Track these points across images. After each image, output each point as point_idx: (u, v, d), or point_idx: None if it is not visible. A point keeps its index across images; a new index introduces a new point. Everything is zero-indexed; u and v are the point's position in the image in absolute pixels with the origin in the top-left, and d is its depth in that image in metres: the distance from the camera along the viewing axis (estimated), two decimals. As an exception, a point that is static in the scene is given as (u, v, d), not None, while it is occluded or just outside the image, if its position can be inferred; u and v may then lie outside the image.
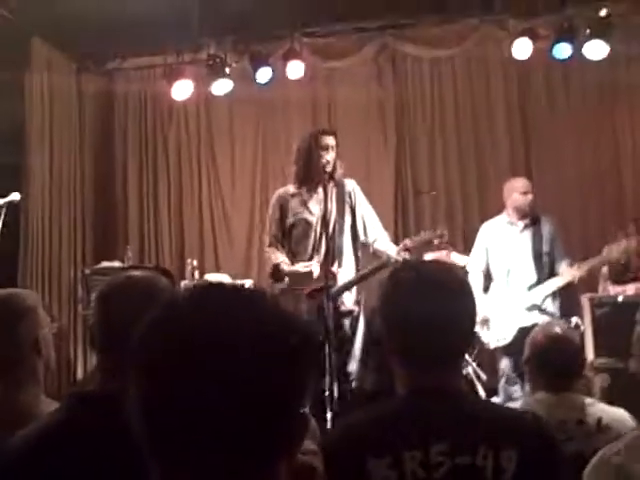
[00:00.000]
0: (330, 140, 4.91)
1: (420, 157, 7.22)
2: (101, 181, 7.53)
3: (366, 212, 5.00)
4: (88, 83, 7.40)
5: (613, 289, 5.58)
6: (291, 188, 5.01)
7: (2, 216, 5.10)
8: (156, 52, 7.07)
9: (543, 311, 5.40)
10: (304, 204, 4.92)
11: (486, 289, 5.58)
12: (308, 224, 4.89)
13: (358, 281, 4.86)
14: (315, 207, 4.88)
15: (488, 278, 5.60)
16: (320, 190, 4.81)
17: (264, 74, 6.79)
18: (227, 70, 6.78)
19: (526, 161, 7.08)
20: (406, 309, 1.78)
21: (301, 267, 4.82)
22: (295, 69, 6.81)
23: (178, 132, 7.52)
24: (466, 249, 6.00)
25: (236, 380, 0.96)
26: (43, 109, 6.74)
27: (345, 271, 4.83)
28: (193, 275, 6.32)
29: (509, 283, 5.47)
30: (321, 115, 7.38)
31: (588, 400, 2.76)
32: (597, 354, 5.15)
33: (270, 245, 5.03)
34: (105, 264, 6.33)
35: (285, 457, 1.03)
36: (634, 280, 5.53)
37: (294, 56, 6.82)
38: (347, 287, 4.81)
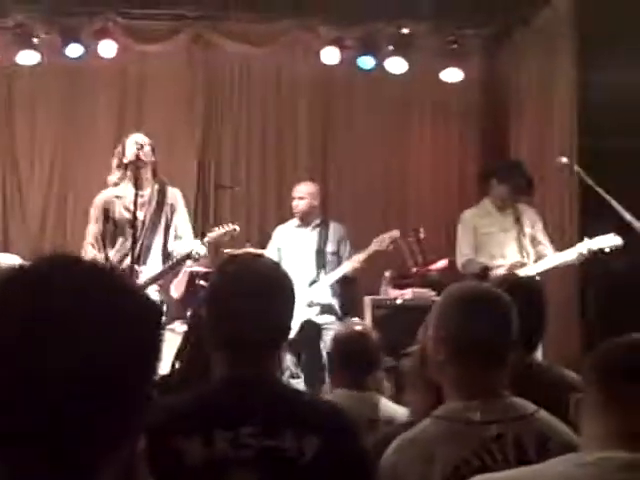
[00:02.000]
0: (133, 138, 5.14)
1: (224, 151, 7.36)
2: None
3: (181, 223, 5.22)
4: None
5: (393, 292, 6.07)
6: (116, 190, 5.14)
7: None
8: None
9: (324, 306, 5.76)
10: (124, 203, 5.06)
11: None
12: (124, 222, 5.05)
13: (163, 274, 5.06)
14: (132, 207, 4.99)
15: None
16: (143, 194, 5.01)
17: (75, 49, 6.67)
18: (35, 40, 6.59)
19: (324, 163, 7.44)
20: (229, 301, 1.89)
21: None
22: (107, 48, 6.74)
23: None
24: (262, 245, 6.27)
25: (80, 356, 0.91)
26: None
27: (149, 269, 5.03)
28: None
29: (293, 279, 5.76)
30: (129, 98, 7.28)
31: (383, 400, 3.02)
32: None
33: (92, 244, 5.13)
34: None
35: (129, 442, 0.99)
36: (411, 286, 6.04)
37: (106, 35, 6.75)
38: (154, 280, 5.00)
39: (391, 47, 7.04)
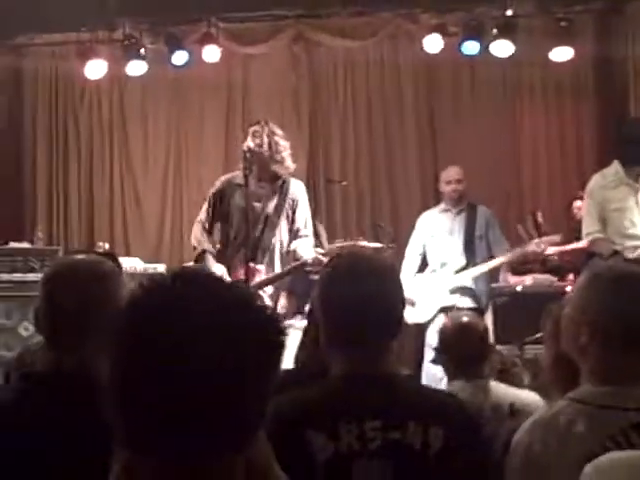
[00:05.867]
0: (251, 128, 4.96)
1: (332, 146, 7.36)
2: (9, 160, 7.33)
3: (301, 218, 4.95)
4: (-5, 57, 7.18)
5: (512, 279, 5.89)
6: (238, 178, 4.87)
7: None
8: (70, 29, 6.93)
9: (466, 292, 5.65)
10: (246, 197, 4.76)
11: (421, 271, 5.85)
12: (244, 217, 4.76)
13: (275, 279, 4.88)
14: (255, 202, 4.81)
15: (425, 263, 5.86)
16: (264, 185, 4.85)
17: (180, 57, 6.79)
18: (142, 51, 6.74)
19: (433, 153, 7.33)
20: (341, 294, 1.89)
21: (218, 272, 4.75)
22: (211, 53, 6.83)
23: (90, 113, 7.41)
24: (375, 238, 6.20)
25: (216, 367, 0.99)
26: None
27: (269, 269, 4.85)
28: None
29: (441, 266, 5.74)
30: (235, 101, 7.41)
31: (500, 385, 2.96)
32: (495, 341, 5.42)
33: (202, 227, 4.94)
34: (13, 245, 6.20)
35: (249, 443, 1.06)
36: (531, 271, 5.85)
37: (210, 40, 6.83)
38: (265, 284, 4.81)
39: (495, 30, 6.83)
